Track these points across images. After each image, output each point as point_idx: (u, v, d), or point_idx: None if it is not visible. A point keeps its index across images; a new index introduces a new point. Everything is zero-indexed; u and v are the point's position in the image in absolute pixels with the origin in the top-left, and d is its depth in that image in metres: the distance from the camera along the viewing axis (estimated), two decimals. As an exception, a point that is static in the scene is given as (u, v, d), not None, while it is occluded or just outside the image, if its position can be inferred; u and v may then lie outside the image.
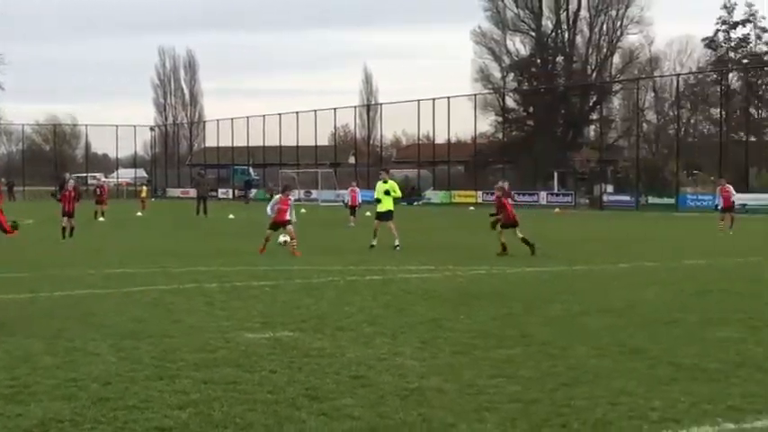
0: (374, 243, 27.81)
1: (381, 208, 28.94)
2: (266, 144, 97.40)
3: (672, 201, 65.24)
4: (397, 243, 27.43)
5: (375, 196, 29.67)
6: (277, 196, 26.95)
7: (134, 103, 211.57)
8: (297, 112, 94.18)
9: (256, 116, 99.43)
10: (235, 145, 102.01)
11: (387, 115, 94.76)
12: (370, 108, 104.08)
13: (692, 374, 10.07)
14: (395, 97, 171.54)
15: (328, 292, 17.37)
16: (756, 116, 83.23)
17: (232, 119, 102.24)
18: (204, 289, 17.97)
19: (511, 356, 11.12)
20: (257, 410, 8.64)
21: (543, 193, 74.73)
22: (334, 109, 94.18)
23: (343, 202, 49.10)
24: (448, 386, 9.57)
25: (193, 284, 18.67)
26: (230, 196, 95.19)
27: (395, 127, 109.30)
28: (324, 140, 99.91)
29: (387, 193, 28.91)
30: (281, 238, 27.19)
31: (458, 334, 12.71)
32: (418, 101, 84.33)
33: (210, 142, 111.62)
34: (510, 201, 26.41)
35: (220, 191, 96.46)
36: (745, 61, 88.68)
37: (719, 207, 38.12)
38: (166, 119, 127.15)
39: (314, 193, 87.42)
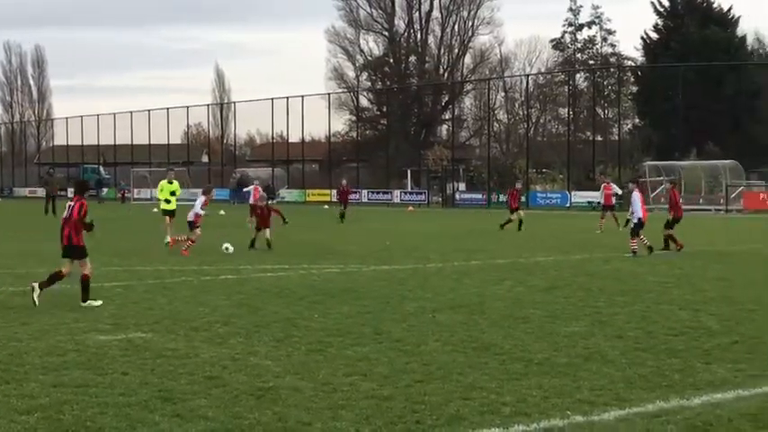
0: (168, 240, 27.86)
1: (170, 207, 29.91)
2: (117, 143, 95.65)
3: (522, 198, 66.57)
4: (168, 240, 27.83)
5: (161, 197, 30.46)
6: (202, 198, 26.71)
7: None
8: (149, 110, 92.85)
9: (107, 114, 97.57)
10: (85, 144, 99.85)
11: (240, 114, 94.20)
12: (223, 106, 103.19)
13: (542, 369, 10.30)
14: (249, 96, 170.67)
15: (182, 292, 17.16)
16: (602, 116, 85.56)
17: (82, 117, 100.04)
18: (53, 290, 17.51)
19: (365, 354, 11.17)
20: (109, 414, 8.48)
21: (397, 192, 75.35)
22: (187, 107, 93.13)
23: None
24: (303, 385, 9.56)
25: (42, 286, 18.16)
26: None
27: (249, 126, 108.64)
28: (177, 139, 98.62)
29: (173, 193, 30.19)
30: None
31: (312, 332, 12.71)
32: (272, 99, 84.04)
33: (60, 141, 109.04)
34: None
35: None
36: (591, 62, 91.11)
37: (601, 205, 38.60)
38: (13, 116, 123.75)
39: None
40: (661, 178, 61.19)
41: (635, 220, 25.48)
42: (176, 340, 12.19)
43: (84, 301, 15.53)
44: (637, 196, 25.71)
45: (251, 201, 39.79)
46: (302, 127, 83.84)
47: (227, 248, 25.58)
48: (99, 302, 15.61)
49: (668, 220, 26.76)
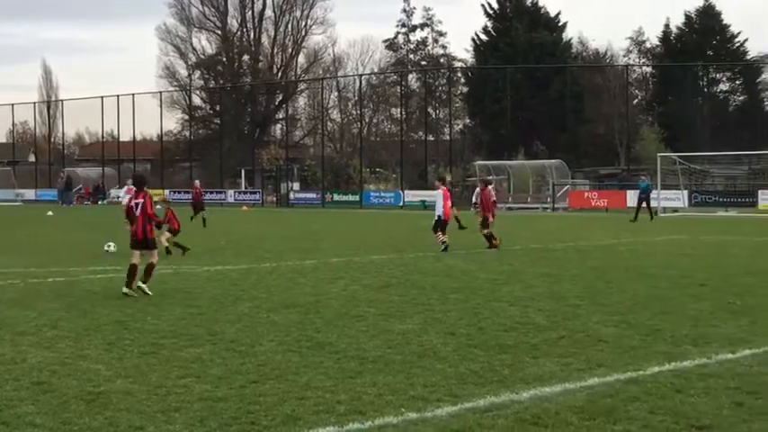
0: None
1: None
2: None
3: (356, 198, 67.03)
4: None
5: None
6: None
7: None
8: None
9: None
10: None
11: (69, 112, 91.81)
12: (50, 104, 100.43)
13: (376, 367, 10.38)
14: (78, 94, 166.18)
15: (7, 295, 16.65)
16: (434, 116, 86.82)
17: None
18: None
19: (199, 355, 11.06)
20: (-70, 423, 8.16)
21: (231, 192, 74.86)
22: (12, 105, 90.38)
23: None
24: (135, 388, 9.40)
25: None
26: None
27: (78, 124, 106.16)
28: (1, 138, 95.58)
29: None
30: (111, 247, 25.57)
31: (145, 335, 12.51)
32: (102, 97, 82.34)
33: None
34: None
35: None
36: (423, 63, 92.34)
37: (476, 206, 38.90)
38: None
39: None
40: (491, 177, 62.54)
41: (436, 217, 26.69)
42: (2, 345, 11.82)
43: (145, 282, 16.72)
44: (440, 194, 26.75)
45: (125, 202, 38.69)
46: (133, 125, 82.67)
47: (108, 247, 24.91)
48: (151, 293, 16.55)
49: (481, 220, 27.75)
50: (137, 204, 17.21)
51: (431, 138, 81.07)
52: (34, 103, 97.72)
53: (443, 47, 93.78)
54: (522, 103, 72.78)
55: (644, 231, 35.90)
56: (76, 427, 8.03)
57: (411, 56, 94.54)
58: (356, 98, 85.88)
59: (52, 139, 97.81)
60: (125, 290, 16.60)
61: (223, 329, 12.91)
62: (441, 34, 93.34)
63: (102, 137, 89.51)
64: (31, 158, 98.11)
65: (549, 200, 61.06)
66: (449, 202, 27.02)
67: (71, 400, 8.93)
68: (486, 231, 27.34)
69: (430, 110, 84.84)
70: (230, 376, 9.93)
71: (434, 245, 26.33)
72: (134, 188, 18.03)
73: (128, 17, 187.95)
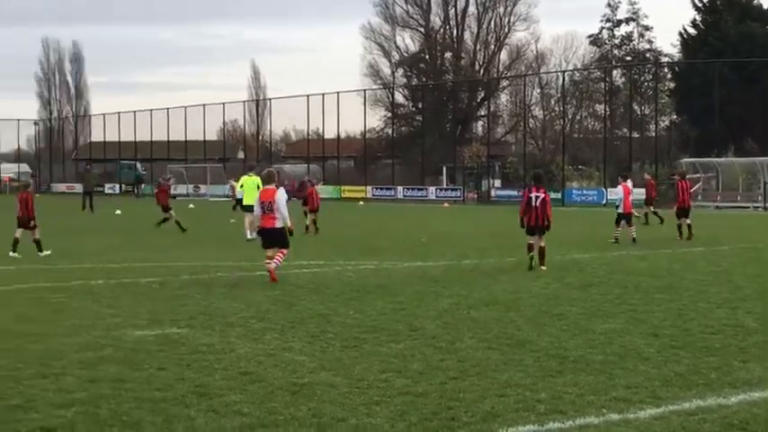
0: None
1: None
2: (154, 139, 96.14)
3: (558, 195, 66.32)
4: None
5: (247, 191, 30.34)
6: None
7: (17, 96, 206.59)
8: (185, 107, 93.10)
9: (143, 110, 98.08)
10: (122, 140, 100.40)
11: (276, 110, 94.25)
12: (259, 103, 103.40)
13: (577, 366, 10.26)
14: (284, 93, 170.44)
15: (217, 288, 17.23)
16: (639, 112, 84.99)
17: (119, 113, 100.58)
18: (90, 286, 17.67)
19: (400, 350, 11.17)
20: (145, 408, 8.53)
21: (432, 189, 75.25)
22: (223, 104, 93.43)
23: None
24: (338, 381, 9.58)
25: (79, 281, 18.35)
26: (117, 191, 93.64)
27: (284, 122, 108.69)
28: (212, 135, 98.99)
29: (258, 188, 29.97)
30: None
31: (347, 329, 12.73)
32: (308, 96, 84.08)
33: (97, 137, 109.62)
34: None
35: (107, 186, 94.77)
36: (628, 58, 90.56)
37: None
38: (51, 113, 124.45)
39: (202, 189, 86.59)
40: (698, 175, 60.77)
41: (618, 212, 28.55)
42: (212, 336, 12.25)
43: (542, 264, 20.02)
44: (620, 190, 28.77)
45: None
46: (338, 123, 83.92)
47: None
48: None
49: (676, 210, 29.69)
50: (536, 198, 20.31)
51: (635, 134, 79.37)
52: (244, 101, 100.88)
53: (649, 41, 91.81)
54: (732, 99, 70.26)
55: None
56: (281, 417, 8.24)
57: (616, 51, 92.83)
58: (559, 95, 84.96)
59: (260, 137, 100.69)
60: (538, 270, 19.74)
61: (424, 325, 13.01)
62: (647, 29, 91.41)
63: (308, 134, 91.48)
64: (240, 155, 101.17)
65: (759, 198, 58.85)
66: (629, 198, 28.63)
67: (276, 391, 9.17)
68: (678, 222, 29.50)
69: (635, 106, 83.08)
70: (431, 372, 10.00)
71: (637, 244, 25.95)
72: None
73: (332, 17, 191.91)
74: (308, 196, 34.11)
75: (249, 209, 29.47)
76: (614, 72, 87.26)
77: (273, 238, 18.51)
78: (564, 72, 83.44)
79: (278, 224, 18.39)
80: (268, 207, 18.43)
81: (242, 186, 30.98)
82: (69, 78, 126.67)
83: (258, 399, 8.88)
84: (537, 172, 24.53)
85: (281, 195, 18.41)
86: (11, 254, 23.66)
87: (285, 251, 18.68)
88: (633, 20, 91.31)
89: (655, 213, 37.43)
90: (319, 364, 10.39)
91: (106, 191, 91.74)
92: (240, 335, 12.33)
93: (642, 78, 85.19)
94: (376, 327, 12.87)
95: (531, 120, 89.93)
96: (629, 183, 29.77)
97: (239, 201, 43.47)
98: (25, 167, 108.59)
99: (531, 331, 12.47)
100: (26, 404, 8.68)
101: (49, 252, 24.11)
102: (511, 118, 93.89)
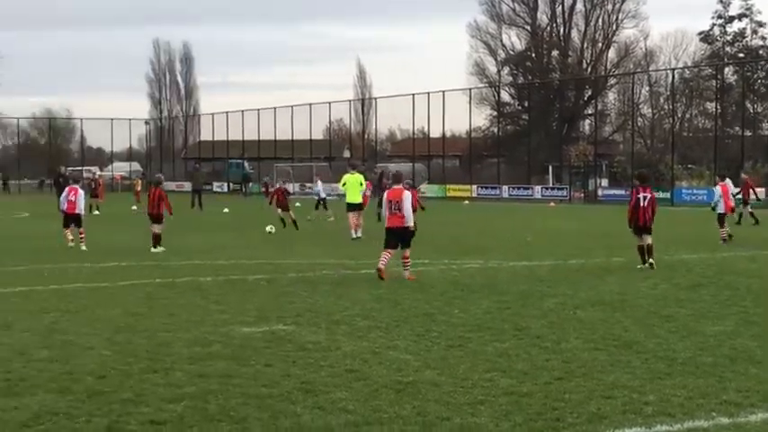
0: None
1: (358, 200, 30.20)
2: (261, 138, 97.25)
3: (667, 195, 65.26)
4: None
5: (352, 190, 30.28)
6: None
7: (130, 96, 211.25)
8: (292, 106, 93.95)
9: (251, 110, 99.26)
10: (230, 139, 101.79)
11: (381, 109, 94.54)
12: (364, 102, 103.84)
13: (686, 368, 10.09)
14: (389, 91, 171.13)
15: (323, 286, 17.37)
16: (752, 110, 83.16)
17: (227, 112, 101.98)
18: (199, 283, 17.97)
19: (505, 350, 11.13)
20: (252, 404, 8.65)
21: (538, 188, 74.66)
22: (329, 103, 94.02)
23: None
24: (442, 379, 9.58)
25: (188, 278, 18.68)
26: (225, 190, 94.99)
27: (390, 121, 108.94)
28: (318, 134, 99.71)
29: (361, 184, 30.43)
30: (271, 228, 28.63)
31: (452, 327, 12.72)
32: (413, 95, 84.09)
33: (205, 136, 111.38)
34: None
35: (215, 184, 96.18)
36: (740, 55, 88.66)
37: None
38: (161, 112, 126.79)
39: (308, 187, 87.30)
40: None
41: (718, 212, 28.64)
42: (318, 333, 12.36)
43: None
44: (718, 190, 28.93)
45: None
46: (443, 122, 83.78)
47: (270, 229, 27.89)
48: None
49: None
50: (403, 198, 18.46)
51: (748, 133, 77.68)
52: (350, 101, 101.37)
53: (763, 38, 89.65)
54: None
55: None
56: (386, 415, 8.28)
57: (727, 48, 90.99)
58: (668, 93, 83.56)
59: (366, 136, 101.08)
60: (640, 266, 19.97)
61: (529, 325, 12.93)
62: (760, 25, 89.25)
63: (413, 133, 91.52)
64: (346, 154, 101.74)
65: None
66: (729, 198, 28.92)
67: (381, 389, 9.21)
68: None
69: (747, 104, 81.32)
70: (535, 372, 9.93)
71: (747, 244, 25.45)
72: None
73: (438, 16, 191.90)
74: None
75: (352, 207, 29.56)
76: (726, 69, 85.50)
77: (399, 236, 18.69)
78: (674, 70, 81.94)
79: (405, 223, 18.59)
80: (395, 206, 18.62)
81: (344, 185, 30.44)
82: (179, 78, 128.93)
83: (363, 396, 8.93)
84: (643, 172, 25.03)
85: (407, 196, 18.61)
86: (152, 250, 24.63)
87: (408, 251, 18.85)
88: (746, 16, 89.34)
89: (751, 214, 36.64)
90: (424, 363, 10.40)
91: (214, 189, 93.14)
92: (346, 332, 12.41)
93: (755, 76, 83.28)
94: (481, 326, 12.84)
95: (639, 118, 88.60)
96: (729, 182, 30.20)
97: (322, 200, 43.68)
98: (136, 166, 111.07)
99: (638, 332, 12.31)
100: (137, 398, 8.87)
101: (162, 249, 24.61)
102: (619, 116, 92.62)
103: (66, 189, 27.53)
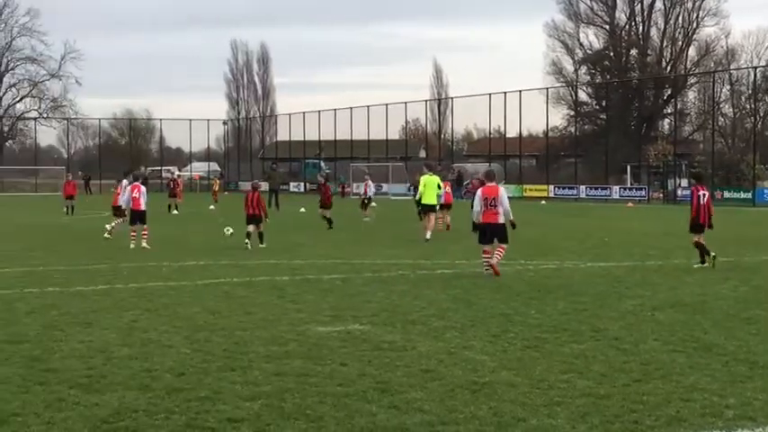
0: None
1: (434, 201, 30.11)
2: (337, 138, 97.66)
3: (749, 195, 64.24)
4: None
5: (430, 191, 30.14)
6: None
7: (207, 97, 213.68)
8: (368, 107, 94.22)
9: (327, 110, 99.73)
10: (306, 139, 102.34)
11: (458, 109, 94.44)
12: (440, 102, 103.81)
13: None
14: (465, 91, 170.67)
15: (398, 286, 17.39)
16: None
17: (303, 113, 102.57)
18: (276, 282, 18.10)
19: (582, 351, 11.04)
20: (328, 403, 8.69)
21: (616, 188, 73.93)
22: (405, 103, 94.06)
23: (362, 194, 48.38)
24: (518, 380, 9.54)
25: (265, 277, 18.82)
26: (302, 190, 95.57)
27: (466, 121, 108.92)
28: (394, 134, 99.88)
29: (439, 187, 30.30)
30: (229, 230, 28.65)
31: (528, 328, 12.66)
32: (489, 95, 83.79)
33: (282, 136, 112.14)
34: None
35: (292, 184, 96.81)
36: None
37: None
38: (239, 113, 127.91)
39: (384, 187, 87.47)
40: None
41: None
42: (393, 333, 12.37)
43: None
44: None
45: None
46: (519, 122, 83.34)
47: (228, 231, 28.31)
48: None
49: None
50: (498, 195, 19.41)
51: (831, 132, 76.20)
52: (426, 100, 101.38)
53: None
54: None
55: None
56: (462, 416, 8.26)
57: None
58: (750, 91, 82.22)
59: (442, 136, 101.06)
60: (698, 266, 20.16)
61: (606, 326, 12.82)
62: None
63: (489, 133, 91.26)
64: (422, 154, 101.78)
65: None
66: None
67: (457, 389, 9.20)
68: None
69: (831, 102, 79.77)
70: (613, 374, 9.84)
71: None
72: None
73: (516, 15, 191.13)
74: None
75: (428, 209, 29.45)
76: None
77: (495, 232, 19.42)
78: (755, 68, 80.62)
79: (500, 219, 19.37)
80: (492, 203, 19.41)
81: (424, 186, 30.21)
82: (257, 79, 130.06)
83: (438, 396, 8.93)
84: (698, 171, 25.32)
85: (503, 192, 19.66)
86: (261, 245, 26.14)
87: (505, 246, 19.51)
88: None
89: None
90: (500, 364, 10.37)
91: (291, 189, 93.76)
92: (421, 332, 12.41)
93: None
94: (557, 327, 12.76)
95: (720, 117, 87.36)
96: None
97: (368, 199, 43.55)
98: (214, 166, 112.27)
99: (718, 335, 12.13)
100: (214, 396, 8.96)
101: (264, 245, 25.93)
102: (699, 116, 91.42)
103: (129, 187, 27.75)
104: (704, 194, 21.26)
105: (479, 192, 19.97)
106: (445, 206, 33.37)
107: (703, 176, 23.18)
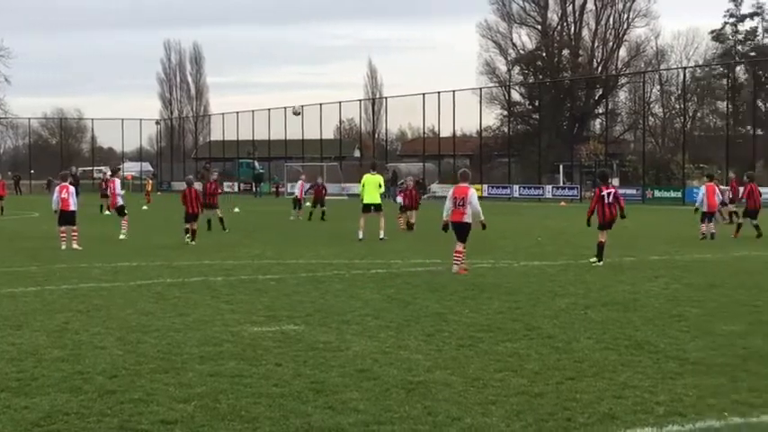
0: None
1: (376, 201, 29.64)
2: (271, 138, 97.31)
3: (679, 194, 65.18)
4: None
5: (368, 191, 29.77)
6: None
7: (140, 96, 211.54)
8: (302, 106, 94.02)
9: (261, 110, 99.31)
10: (240, 139, 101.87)
11: (392, 109, 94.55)
12: (375, 102, 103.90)
13: (698, 368, 10.06)
14: (400, 91, 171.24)
15: (333, 286, 17.37)
16: (763, 109, 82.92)
17: (237, 112, 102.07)
18: (210, 282, 17.98)
19: (516, 350, 11.11)
20: (263, 404, 8.65)
21: (549, 187, 74.62)
22: (340, 102, 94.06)
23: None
24: (453, 379, 9.57)
25: (199, 278, 18.70)
26: (236, 190, 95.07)
27: (400, 121, 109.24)
28: (329, 134, 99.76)
29: (380, 186, 29.89)
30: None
31: (463, 327, 12.71)
32: (423, 94, 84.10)
33: (216, 136, 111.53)
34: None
35: (226, 184, 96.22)
36: (752, 54, 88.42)
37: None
38: (172, 113, 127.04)
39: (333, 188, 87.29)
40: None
41: (702, 210, 29.59)
42: (328, 333, 12.35)
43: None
44: (703, 190, 29.86)
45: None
46: (453, 121, 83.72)
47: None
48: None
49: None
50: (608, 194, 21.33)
51: (759, 132, 77.45)
52: (360, 100, 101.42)
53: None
54: None
55: None
56: (397, 415, 8.27)
57: (739, 47, 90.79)
58: (680, 92, 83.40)
59: (376, 135, 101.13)
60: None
61: (540, 325, 12.91)
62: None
63: (423, 133, 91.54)
64: (356, 154, 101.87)
65: None
66: (714, 198, 29.78)
67: (392, 389, 9.20)
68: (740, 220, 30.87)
69: (759, 103, 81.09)
70: (547, 372, 9.92)
71: (761, 245, 25.36)
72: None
73: (449, 15, 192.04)
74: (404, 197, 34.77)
75: (368, 208, 29.30)
76: (737, 68, 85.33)
77: (458, 231, 19.88)
78: (685, 69, 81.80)
79: (465, 219, 19.81)
80: (460, 202, 19.83)
81: (363, 186, 29.73)
82: (190, 79, 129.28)
83: (373, 396, 8.93)
84: (603, 171, 26.85)
85: (473, 193, 20.02)
86: (191, 242, 27.00)
87: (463, 245, 19.84)
88: (758, 14, 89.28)
89: (734, 213, 36.14)
90: (435, 363, 10.39)
91: (225, 189, 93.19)
92: (356, 332, 12.40)
93: (767, 74, 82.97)
94: (492, 326, 12.83)
95: (650, 117, 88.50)
96: (715, 182, 31.18)
97: (298, 200, 43.80)
98: (147, 166, 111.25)
99: (649, 332, 12.28)
100: (148, 397, 8.87)
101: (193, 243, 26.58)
102: (630, 115, 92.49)
103: (57, 188, 27.17)
104: (609, 193, 21.68)
105: (450, 191, 20.43)
106: (408, 207, 33.76)
107: (608, 176, 23.88)
